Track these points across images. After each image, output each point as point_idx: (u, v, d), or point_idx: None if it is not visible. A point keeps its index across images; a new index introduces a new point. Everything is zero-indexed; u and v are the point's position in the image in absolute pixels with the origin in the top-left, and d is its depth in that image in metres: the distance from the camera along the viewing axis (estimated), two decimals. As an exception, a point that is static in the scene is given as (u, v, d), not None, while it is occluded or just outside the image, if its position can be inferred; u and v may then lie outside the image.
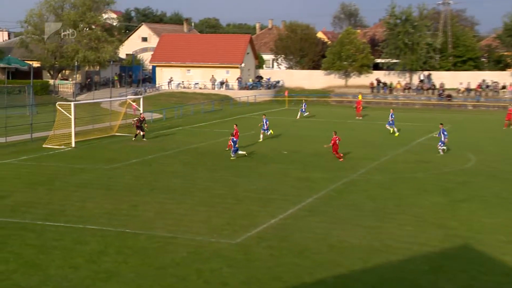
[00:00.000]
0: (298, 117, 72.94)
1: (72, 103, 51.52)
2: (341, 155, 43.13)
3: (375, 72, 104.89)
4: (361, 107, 77.09)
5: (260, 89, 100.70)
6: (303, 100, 77.49)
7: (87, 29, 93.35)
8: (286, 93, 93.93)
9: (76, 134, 50.11)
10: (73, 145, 48.64)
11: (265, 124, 53.34)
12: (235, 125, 46.99)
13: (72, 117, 49.46)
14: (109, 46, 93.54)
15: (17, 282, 20.38)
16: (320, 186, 35.42)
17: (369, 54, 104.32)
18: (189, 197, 32.49)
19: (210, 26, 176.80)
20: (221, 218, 28.48)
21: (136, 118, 52.89)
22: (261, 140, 53.08)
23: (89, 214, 28.72)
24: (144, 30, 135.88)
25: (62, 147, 48.09)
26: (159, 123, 66.83)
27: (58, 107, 51.36)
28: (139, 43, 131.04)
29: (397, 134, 58.87)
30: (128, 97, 71.32)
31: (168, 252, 23.60)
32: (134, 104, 65.27)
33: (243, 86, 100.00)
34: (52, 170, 39.46)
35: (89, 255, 23.16)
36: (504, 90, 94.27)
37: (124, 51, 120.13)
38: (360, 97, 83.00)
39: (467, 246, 25.23)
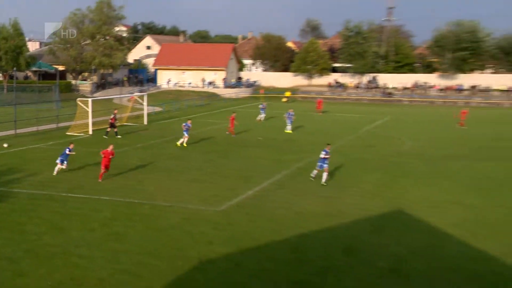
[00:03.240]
0: (261, 119, 61.36)
1: (89, 99, 51.45)
2: (103, 173, 30.63)
3: (333, 74, 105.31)
4: (321, 105, 73.25)
5: (241, 88, 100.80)
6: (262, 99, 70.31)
7: (103, 39, 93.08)
8: (261, 91, 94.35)
9: (93, 124, 50.01)
10: (90, 132, 48.64)
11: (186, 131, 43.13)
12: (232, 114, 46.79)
13: (90, 110, 49.52)
14: (120, 53, 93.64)
15: (47, 241, 20.72)
16: (289, 165, 35.79)
17: (328, 60, 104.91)
18: (184, 175, 32.64)
19: (201, 37, 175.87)
20: (209, 191, 28.75)
21: (113, 116, 48.45)
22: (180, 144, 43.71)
23: (103, 188, 28.87)
24: (148, 40, 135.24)
25: (82, 134, 48.13)
26: (159, 115, 66.85)
27: (79, 102, 51.41)
28: (144, 51, 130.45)
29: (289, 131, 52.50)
30: (135, 94, 71.22)
31: (166, 218, 23.91)
32: (133, 95, 65.54)
33: (227, 85, 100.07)
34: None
35: (103, 220, 23.49)
36: (432, 88, 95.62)
37: (132, 57, 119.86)
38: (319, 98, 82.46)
39: (401, 212, 25.75)
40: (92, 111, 50.22)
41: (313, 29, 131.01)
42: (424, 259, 19.93)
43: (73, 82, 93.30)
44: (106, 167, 30.46)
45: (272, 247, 20.77)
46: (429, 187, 30.65)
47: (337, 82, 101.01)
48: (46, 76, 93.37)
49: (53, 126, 52.11)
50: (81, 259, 19.18)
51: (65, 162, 31.77)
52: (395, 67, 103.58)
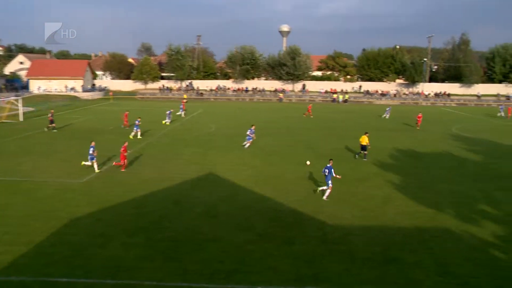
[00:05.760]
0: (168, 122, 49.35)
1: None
2: (120, 164, 26.92)
3: (162, 81, 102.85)
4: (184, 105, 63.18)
5: (95, 91, 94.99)
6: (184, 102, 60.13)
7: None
8: (111, 94, 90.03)
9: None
10: (-24, 129, 43.29)
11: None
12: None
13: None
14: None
15: None
16: (134, 146, 34.63)
17: (158, 71, 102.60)
18: (53, 157, 30.34)
19: (63, 55, 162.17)
20: (74, 168, 27.04)
21: (50, 114, 43.88)
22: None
23: (-11, 171, 25.98)
24: (21, 57, 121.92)
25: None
26: (32, 113, 60.98)
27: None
28: (18, 65, 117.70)
29: (168, 123, 48.91)
30: (11, 98, 63.97)
31: (43, 190, 22.15)
32: (10, 99, 59.04)
33: (85, 90, 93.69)
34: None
35: (-10, 195, 21.20)
36: (228, 89, 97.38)
37: (8, 70, 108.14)
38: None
39: (211, 173, 26.19)
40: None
41: (146, 49, 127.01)
42: (227, 203, 20.53)
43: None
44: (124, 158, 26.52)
45: (122, 205, 20.14)
46: (228, 155, 31.48)
47: (165, 86, 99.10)
48: None
49: None
50: (-26, 226, 17.28)
51: (94, 159, 26.38)
52: (204, 75, 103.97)
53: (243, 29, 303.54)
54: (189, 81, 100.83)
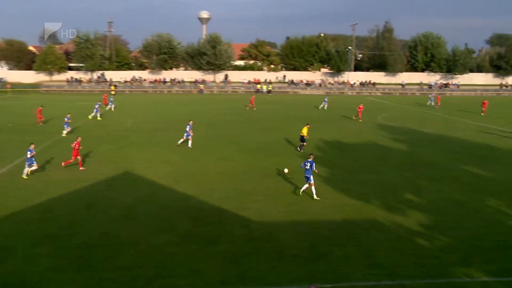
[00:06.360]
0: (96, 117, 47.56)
1: None
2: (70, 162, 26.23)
3: (70, 72, 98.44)
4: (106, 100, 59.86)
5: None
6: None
7: None
8: (8, 86, 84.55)
9: None
10: None
11: None
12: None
13: None
14: None
15: None
16: (37, 145, 32.73)
17: (65, 61, 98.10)
18: None
19: None
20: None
21: None
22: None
23: None
24: None
25: None
26: None
27: None
28: None
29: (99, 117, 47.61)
30: None
31: None
32: None
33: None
34: None
35: None
36: (145, 81, 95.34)
37: None
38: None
39: (127, 172, 25.55)
40: None
41: (50, 36, 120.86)
42: (146, 204, 20.11)
43: None
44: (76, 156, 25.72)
45: (26, 211, 19.03)
46: (146, 152, 30.83)
47: (73, 78, 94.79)
48: None
49: None
50: None
51: (33, 163, 24.20)
52: (117, 65, 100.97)
53: (159, 16, 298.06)
54: (101, 72, 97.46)
